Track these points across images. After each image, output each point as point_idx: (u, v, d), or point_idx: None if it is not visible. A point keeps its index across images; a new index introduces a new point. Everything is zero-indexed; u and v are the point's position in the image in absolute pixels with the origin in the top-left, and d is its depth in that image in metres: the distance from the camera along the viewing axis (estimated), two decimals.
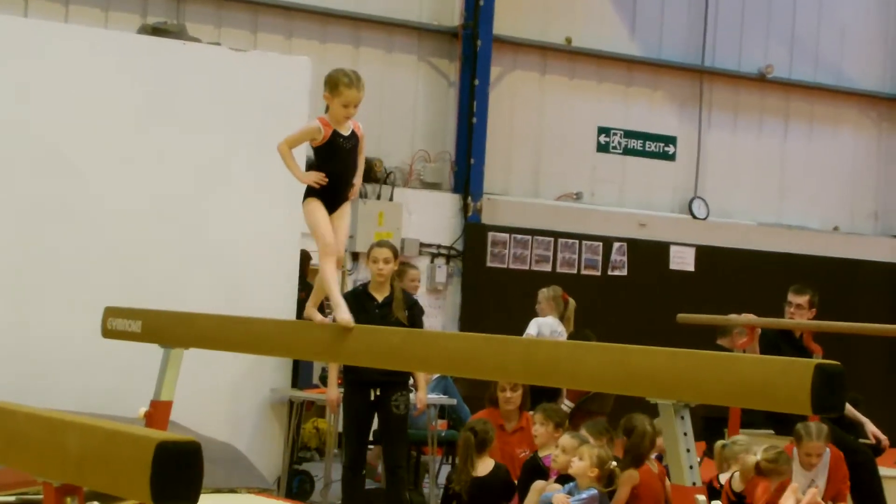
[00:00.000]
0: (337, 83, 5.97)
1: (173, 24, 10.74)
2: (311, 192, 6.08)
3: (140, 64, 9.72)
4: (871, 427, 9.91)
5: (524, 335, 10.54)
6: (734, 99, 17.50)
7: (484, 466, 8.41)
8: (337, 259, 6.04)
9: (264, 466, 9.70)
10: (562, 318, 11.19)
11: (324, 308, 6.38)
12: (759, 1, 17.55)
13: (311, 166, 6.26)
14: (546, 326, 10.98)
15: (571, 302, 11.44)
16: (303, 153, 7.61)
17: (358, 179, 6.22)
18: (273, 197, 9.92)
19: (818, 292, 10.02)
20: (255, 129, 9.89)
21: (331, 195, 6.06)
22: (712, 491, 7.87)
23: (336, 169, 6.06)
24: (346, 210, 6.14)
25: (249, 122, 9.92)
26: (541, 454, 8.38)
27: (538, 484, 7.90)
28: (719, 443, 8.26)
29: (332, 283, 5.98)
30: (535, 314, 11.42)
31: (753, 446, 8.00)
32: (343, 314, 5.83)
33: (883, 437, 9.89)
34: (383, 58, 15.39)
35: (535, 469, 8.25)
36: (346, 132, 6.07)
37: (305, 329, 6.09)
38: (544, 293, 11.50)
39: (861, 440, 9.68)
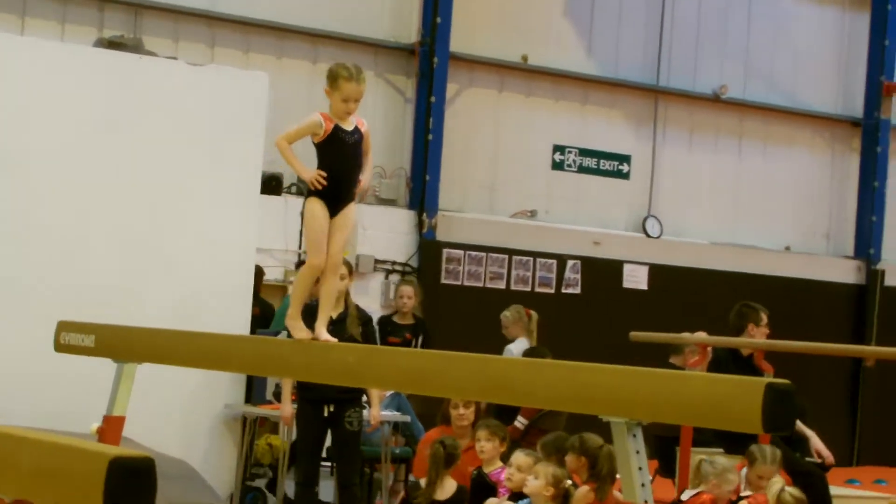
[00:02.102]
0: (337, 77, 5.86)
1: (130, 38, 10.71)
2: (313, 192, 5.87)
3: (97, 78, 9.69)
4: (816, 443, 9.93)
5: None
6: (689, 118, 17.61)
7: (448, 486, 8.38)
8: (331, 266, 5.87)
9: (217, 483, 9.67)
10: (531, 336, 11.26)
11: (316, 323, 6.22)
12: (714, 22, 17.68)
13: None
14: (517, 353, 10.97)
15: (534, 315, 11.49)
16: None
17: (366, 175, 6.02)
18: (229, 212, 9.91)
19: (769, 311, 10.10)
20: (213, 143, 9.89)
21: (335, 194, 5.87)
22: None
23: (340, 165, 5.88)
24: (349, 213, 5.92)
25: (206, 136, 9.91)
26: (486, 469, 8.39)
27: (492, 501, 7.90)
28: (699, 458, 8.29)
29: (301, 297, 5.87)
30: (489, 331, 11.47)
31: (729, 474, 8.02)
32: (301, 333, 5.76)
33: (827, 453, 9.92)
34: None
35: (483, 485, 8.26)
36: (348, 127, 5.92)
37: (260, 344, 6.09)
38: (508, 316, 11.51)
39: (807, 458, 9.72)
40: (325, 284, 5.97)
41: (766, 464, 8.37)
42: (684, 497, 8.12)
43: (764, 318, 9.87)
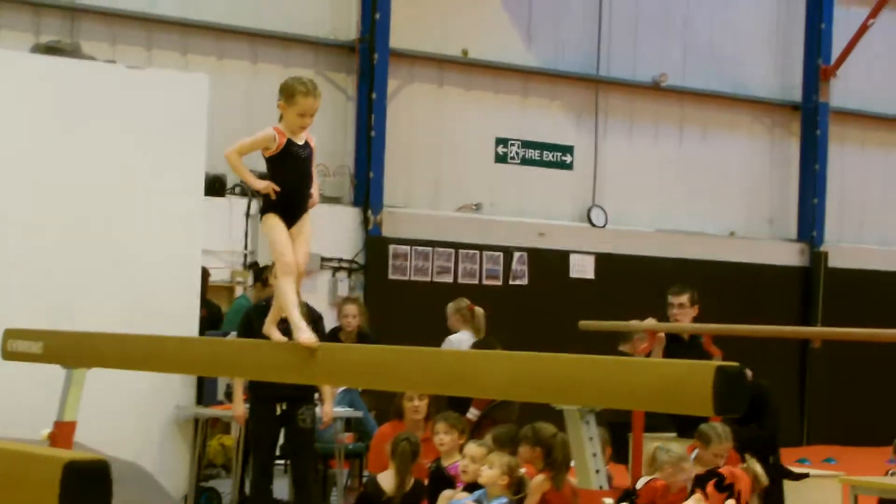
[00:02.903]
0: (293, 92, 5.84)
1: (67, 43, 10.64)
2: (269, 207, 5.89)
3: (36, 84, 9.62)
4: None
5: None
6: (629, 107, 17.69)
7: (406, 481, 8.40)
8: (297, 275, 5.89)
9: (171, 484, 9.65)
10: (475, 330, 11.26)
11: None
12: (652, 11, 17.75)
13: (263, 179, 6.04)
14: (457, 343, 11.02)
15: (478, 310, 11.50)
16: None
17: (315, 191, 6.06)
18: (174, 214, 9.87)
19: (696, 291, 10.19)
20: (155, 146, 9.85)
21: (289, 207, 5.89)
22: (629, 494, 7.96)
23: (292, 179, 5.89)
24: (306, 222, 5.94)
25: (149, 139, 9.87)
26: (445, 463, 8.40)
27: (446, 493, 7.91)
28: (655, 445, 8.32)
29: (291, 302, 5.80)
30: (438, 326, 11.48)
31: (683, 462, 8.07)
32: (305, 334, 5.66)
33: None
34: (281, 73, 15.31)
35: (441, 478, 8.27)
36: (300, 142, 5.91)
37: (210, 345, 6.07)
38: (450, 307, 11.57)
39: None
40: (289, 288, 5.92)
41: (721, 442, 8.45)
42: (638, 485, 8.15)
43: (670, 300, 10.01)
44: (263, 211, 5.94)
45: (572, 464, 8.11)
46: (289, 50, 15.40)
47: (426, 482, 8.43)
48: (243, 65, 15.17)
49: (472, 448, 7.83)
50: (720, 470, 8.03)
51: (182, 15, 14.78)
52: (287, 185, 5.87)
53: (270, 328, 5.93)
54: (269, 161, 5.89)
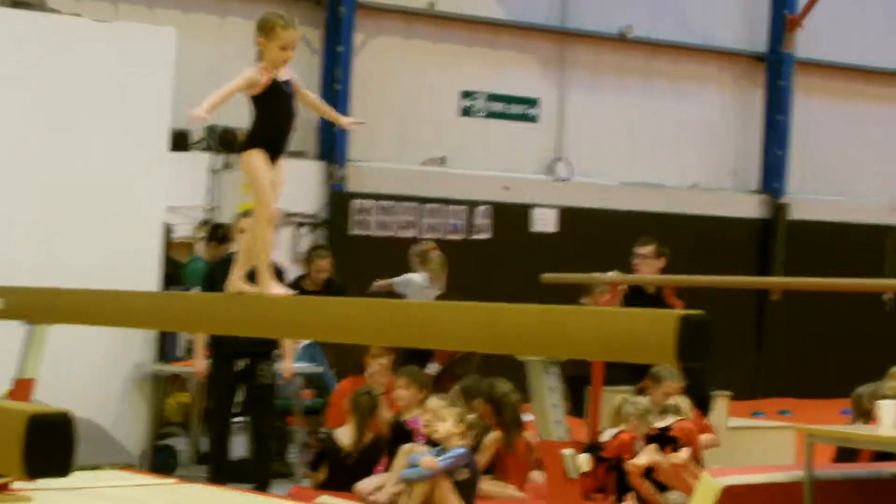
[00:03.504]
0: (273, 25, 5.73)
1: None
2: (253, 143, 5.77)
3: (1, 36, 9.55)
4: None
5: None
6: (595, 60, 17.66)
7: (365, 435, 8.45)
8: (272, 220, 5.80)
9: (129, 442, 9.66)
10: (430, 272, 11.40)
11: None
12: None
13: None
14: (403, 281, 11.46)
15: (434, 254, 11.59)
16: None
17: (332, 114, 6.11)
18: (138, 169, 9.85)
19: (666, 245, 10.25)
20: (121, 100, 9.81)
21: (274, 146, 5.78)
22: (594, 447, 8.01)
23: (279, 118, 5.80)
24: (281, 169, 5.83)
25: (115, 93, 9.83)
26: (405, 417, 8.44)
27: (406, 447, 7.94)
28: (621, 397, 8.38)
29: (267, 252, 5.74)
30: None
31: (649, 415, 8.13)
32: (276, 289, 5.61)
33: None
34: (247, 27, 15.09)
35: (401, 432, 8.31)
36: (282, 78, 5.80)
37: (175, 300, 6.06)
38: (412, 250, 11.82)
39: None
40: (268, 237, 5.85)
41: (671, 380, 8.54)
42: (604, 437, 8.20)
43: (635, 250, 10.11)
44: (246, 146, 5.81)
45: (529, 418, 8.23)
46: (255, 4, 15.27)
47: (386, 437, 8.48)
48: (210, 19, 15.07)
49: (434, 402, 7.87)
50: (672, 430, 8.09)
51: None
52: (273, 122, 5.78)
53: (240, 283, 5.81)
54: (256, 100, 5.77)
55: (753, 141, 18.69)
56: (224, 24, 15.05)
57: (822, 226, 18.61)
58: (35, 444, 2.93)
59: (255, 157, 5.73)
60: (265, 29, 5.75)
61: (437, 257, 11.68)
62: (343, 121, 6.24)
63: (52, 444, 2.96)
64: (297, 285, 11.52)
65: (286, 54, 5.76)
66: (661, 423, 8.10)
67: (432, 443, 7.74)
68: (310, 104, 6.10)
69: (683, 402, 8.51)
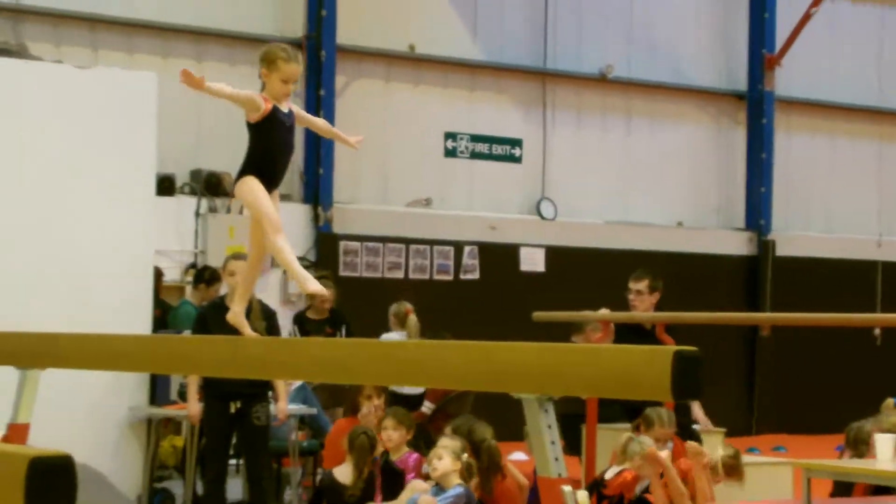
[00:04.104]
0: (275, 58, 5.67)
1: (13, 44, 10.60)
2: (248, 170, 5.67)
3: None
4: (697, 410, 10.07)
5: None
6: (577, 99, 17.74)
7: (366, 472, 8.52)
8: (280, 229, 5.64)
9: (124, 486, 9.63)
10: (408, 334, 11.48)
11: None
12: (597, 2, 17.81)
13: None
14: (386, 340, 11.23)
15: (411, 318, 11.69)
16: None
17: (327, 128, 6.12)
18: (126, 214, 9.85)
19: (661, 279, 10.26)
20: (105, 146, 9.83)
21: (270, 176, 5.68)
22: (597, 484, 8.02)
23: (278, 147, 5.69)
24: (276, 199, 5.73)
25: (99, 139, 9.85)
26: (393, 457, 8.56)
27: (418, 484, 8.04)
28: (627, 435, 8.38)
29: (290, 255, 5.63)
30: (388, 321, 11.70)
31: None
32: (312, 284, 5.58)
33: (706, 420, 10.07)
34: (227, 71, 15.29)
35: (390, 471, 8.42)
36: (285, 109, 5.72)
37: (166, 343, 6.05)
38: (391, 309, 11.83)
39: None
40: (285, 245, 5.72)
41: (664, 427, 8.52)
42: (608, 475, 8.20)
43: (630, 285, 10.13)
44: (241, 174, 5.71)
45: (516, 456, 8.26)
46: (235, 48, 15.36)
47: (380, 474, 8.54)
48: (189, 63, 15.08)
49: (442, 440, 7.97)
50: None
51: (127, 14, 14.71)
52: (270, 152, 5.68)
53: (240, 317, 5.80)
54: (254, 128, 5.69)
55: (737, 178, 18.77)
56: (203, 68, 15.08)
57: (810, 261, 18.67)
58: (36, 488, 2.92)
59: (249, 181, 5.65)
60: (267, 61, 5.71)
61: (414, 323, 11.78)
62: (352, 140, 6.18)
63: (53, 488, 2.96)
64: (301, 318, 11.57)
65: (287, 87, 5.71)
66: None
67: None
68: (318, 129, 6.11)
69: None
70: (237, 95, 5.63)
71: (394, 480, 8.30)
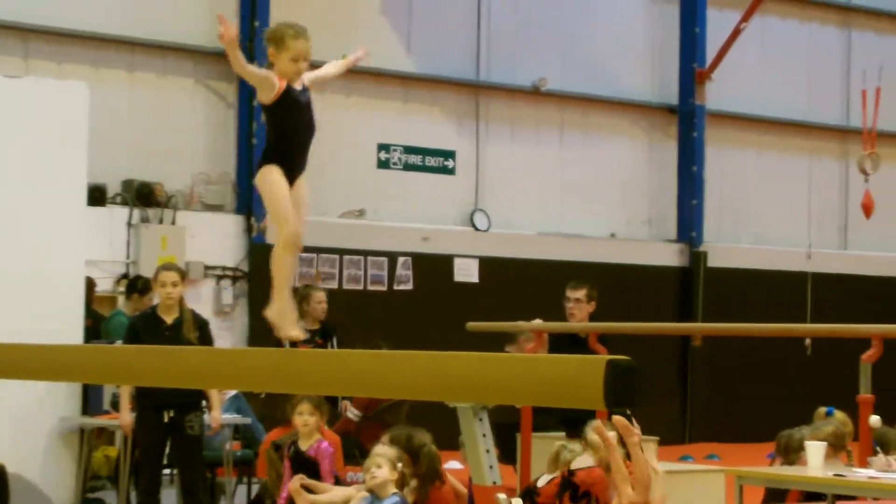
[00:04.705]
0: (283, 36, 5.44)
1: None
2: (269, 158, 5.40)
3: None
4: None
5: None
6: (510, 112, 17.81)
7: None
8: (296, 249, 5.32)
9: (57, 496, 9.58)
10: None
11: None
12: (530, 16, 17.89)
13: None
14: None
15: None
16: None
17: (338, 65, 5.67)
18: (57, 224, 9.80)
19: (596, 289, 10.34)
20: (36, 156, 9.77)
21: (292, 160, 5.40)
22: (530, 492, 8.05)
23: (296, 128, 5.43)
24: (304, 187, 5.43)
25: (30, 149, 9.79)
26: (303, 445, 8.64)
27: (352, 491, 8.06)
28: (559, 444, 8.41)
29: (288, 279, 5.31)
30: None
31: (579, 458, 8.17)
32: (292, 330, 5.21)
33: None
34: (159, 82, 15.25)
35: (301, 461, 8.51)
36: (298, 86, 5.48)
37: (100, 353, 6.02)
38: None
39: None
40: (290, 263, 5.34)
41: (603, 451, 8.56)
42: (540, 483, 8.22)
43: (567, 294, 10.18)
44: (262, 162, 5.43)
45: (451, 465, 8.29)
46: (166, 58, 15.30)
47: (288, 466, 8.58)
48: (120, 74, 15.03)
49: (378, 448, 7.98)
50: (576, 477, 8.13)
51: (58, 24, 14.61)
52: (290, 134, 5.42)
53: (294, 328, 5.38)
54: (269, 110, 5.42)
55: (669, 191, 18.91)
56: (134, 79, 15.02)
57: (741, 273, 18.84)
58: None
59: (271, 173, 5.35)
60: (274, 39, 5.47)
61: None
62: (359, 54, 5.87)
63: None
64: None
65: (298, 66, 5.47)
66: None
67: None
68: (336, 74, 5.78)
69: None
70: (253, 71, 5.36)
71: (305, 468, 8.34)
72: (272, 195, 5.32)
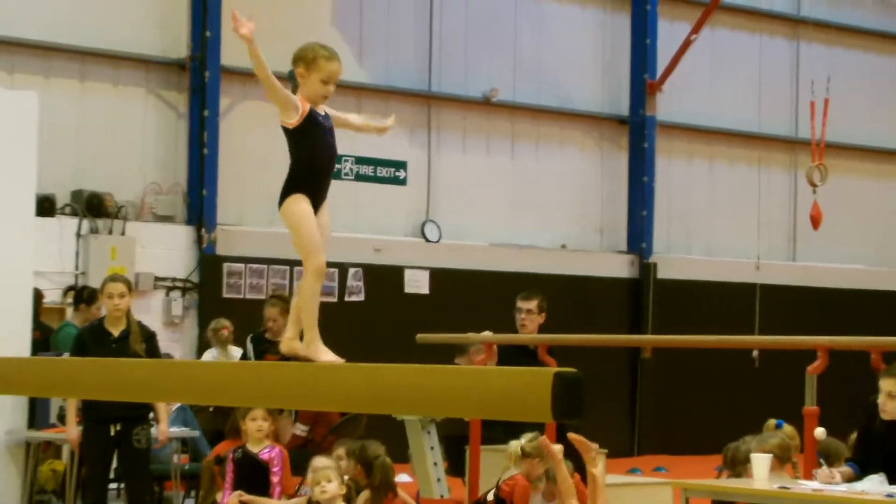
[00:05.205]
0: (315, 56, 5.26)
1: None
2: (295, 187, 5.19)
3: None
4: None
5: None
6: (462, 123, 17.83)
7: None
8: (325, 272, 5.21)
9: None
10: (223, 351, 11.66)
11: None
12: (482, 27, 17.93)
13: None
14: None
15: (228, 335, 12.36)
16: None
17: (358, 118, 5.51)
18: (5, 234, 9.74)
19: (546, 300, 10.37)
20: None
21: (316, 188, 5.18)
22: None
23: (320, 155, 5.21)
24: (326, 213, 5.24)
25: None
26: (254, 449, 8.68)
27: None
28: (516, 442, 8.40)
29: (315, 310, 5.19)
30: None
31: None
32: (326, 356, 5.11)
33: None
34: (110, 91, 15.18)
35: (251, 463, 8.58)
36: (321, 112, 5.28)
37: (45, 365, 5.98)
38: (210, 325, 12.77)
39: None
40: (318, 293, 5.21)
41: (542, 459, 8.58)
42: (490, 497, 8.22)
43: (518, 304, 10.20)
44: (286, 191, 5.23)
45: (400, 478, 8.30)
46: (118, 68, 15.24)
47: (232, 470, 8.58)
48: (71, 83, 14.96)
49: (322, 462, 7.98)
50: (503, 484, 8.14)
51: (7, 33, 14.53)
52: (315, 160, 5.21)
53: (294, 343, 5.30)
54: (293, 134, 5.23)
55: (620, 202, 18.97)
56: (84, 88, 14.95)
57: (690, 284, 18.92)
58: None
59: (299, 203, 5.18)
60: (306, 59, 5.30)
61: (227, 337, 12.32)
62: (387, 123, 5.70)
63: None
64: (257, 338, 11.24)
65: (326, 89, 5.29)
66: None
67: None
68: (355, 126, 5.59)
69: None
70: (277, 88, 5.14)
71: (253, 473, 8.40)
72: (301, 226, 5.15)
